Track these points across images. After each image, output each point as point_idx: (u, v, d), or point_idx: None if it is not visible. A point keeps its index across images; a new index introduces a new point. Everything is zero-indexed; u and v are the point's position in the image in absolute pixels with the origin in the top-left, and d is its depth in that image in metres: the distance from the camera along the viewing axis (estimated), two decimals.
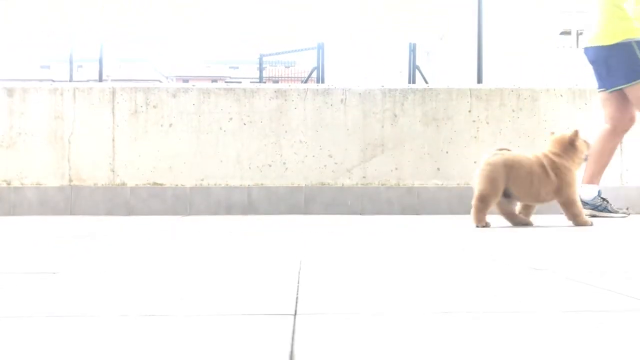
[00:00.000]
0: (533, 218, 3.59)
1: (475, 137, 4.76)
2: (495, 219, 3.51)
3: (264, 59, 13.17)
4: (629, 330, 0.95)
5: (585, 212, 3.58)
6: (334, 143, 4.78)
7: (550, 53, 19.80)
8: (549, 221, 3.79)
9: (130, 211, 4.69)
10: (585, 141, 3.45)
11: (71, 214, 4.74)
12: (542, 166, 3.30)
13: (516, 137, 4.75)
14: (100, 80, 11.44)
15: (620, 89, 4.02)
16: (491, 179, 3.25)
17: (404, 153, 4.76)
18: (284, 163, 4.78)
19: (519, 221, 3.47)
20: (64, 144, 4.76)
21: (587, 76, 4.43)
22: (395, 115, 4.78)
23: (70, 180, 4.77)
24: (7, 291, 1.38)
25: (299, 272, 1.62)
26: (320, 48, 10.70)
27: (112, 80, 21.63)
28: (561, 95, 4.83)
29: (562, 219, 3.54)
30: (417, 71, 10.29)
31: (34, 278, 1.56)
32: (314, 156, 4.78)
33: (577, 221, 3.40)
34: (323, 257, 2.04)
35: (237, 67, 65.43)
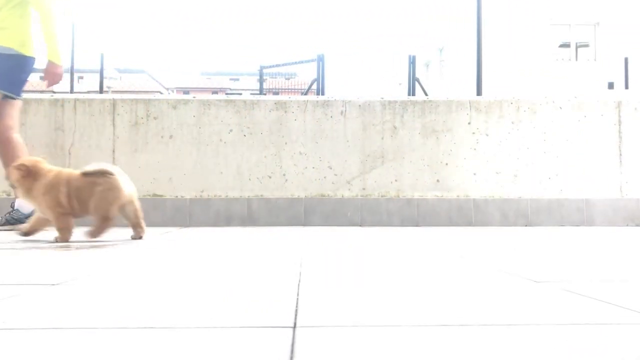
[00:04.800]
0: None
1: (474, 149, 4.77)
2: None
3: (265, 70, 13.22)
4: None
5: None
6: (334, 155, 4.79)
7: (549, 65, 19.91)
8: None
9: None
10: None
11: None
12: None
13: (516, 149, 4.76)
14: (101, 91, 11.49)
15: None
16: None
17: (404, 165, 4.76)
18: (284, 174, 4.79)
19: None
20: (65, 155, 4.77)
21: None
22: (395, 127, 4.79)
23: None
24: (7, 303, 1.37)
25: (298, 284, 1.62)
26: (321, 60, 10.73)
27: (112, 91, 21.67)
28: (560, 108, 4.85)
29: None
30: (416, 83, 10.31)
31: (35, 290, 1.56)
32: (313, 168, 4.79)
33: None
34: (322, 269, 2.04)
35: (238, 79, 65.68)
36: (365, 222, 4.68)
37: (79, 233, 3.21)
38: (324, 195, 4.78)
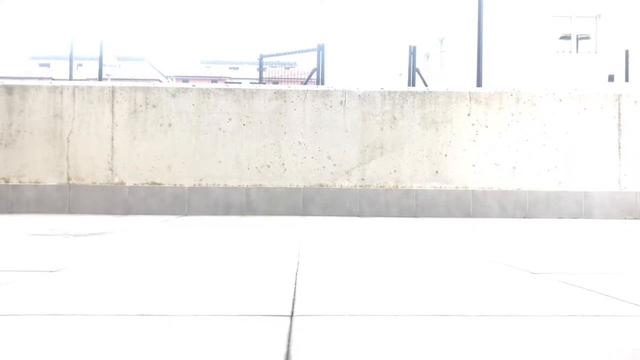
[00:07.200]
0: (532, 221, 3.59)
1: (474, 141, 4.77)
2: None
3: (264, 59, 13.13)
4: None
5: None
6: (333, 145, 4.79)
7: (549, 57, 19.83)
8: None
9: (128, 210, 4.69)
10: None
11: (69, 212, 4.73)
12: None
13: (515, 140, 4.76)
14: (100, 79, 11.43)
15: None
16: None
17: (403, 155, 4.76)
18: (283, 164, 4.78)
19: None
20: (63, 142, 4.76)
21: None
22: (395, 118, 4.78)
23: (69, 179, 4.77)
24: (7, 289, 1.37)
25: (296, 273, 1.62)
26: (321, 49, 10.67)
27: (111, 79, 21.58)
28: (560, 100, 4.84)
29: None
30: (417, 74, 10.27)
31: (34, 276, 1.56)
32: (312, 157, 4.78)
33: None
34: (320, 259, 2.04)
35: (237, 68, 65.45)
36: (364, 213, 4.68)
37: (77, 221, 3.21)
38: (322, 185, 4.78)
